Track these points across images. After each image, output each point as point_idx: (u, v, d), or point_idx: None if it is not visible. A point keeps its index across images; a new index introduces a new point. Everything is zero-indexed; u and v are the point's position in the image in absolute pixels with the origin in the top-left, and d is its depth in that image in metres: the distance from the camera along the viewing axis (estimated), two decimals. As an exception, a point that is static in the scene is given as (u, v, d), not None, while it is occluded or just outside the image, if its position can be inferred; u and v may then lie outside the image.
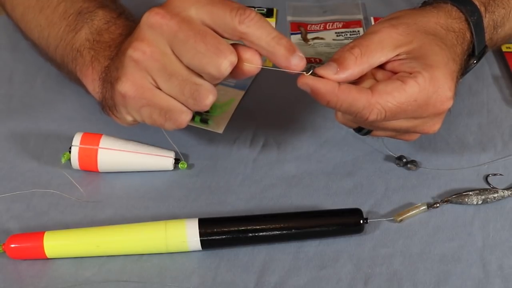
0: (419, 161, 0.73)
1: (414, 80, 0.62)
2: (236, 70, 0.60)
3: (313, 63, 0.85)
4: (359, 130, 0.69)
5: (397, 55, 0.63)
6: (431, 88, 0.62)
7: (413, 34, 0.64)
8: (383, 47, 0.63)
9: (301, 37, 0.89)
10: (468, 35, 0.68)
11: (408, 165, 0.72)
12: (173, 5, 0.60)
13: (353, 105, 0.61)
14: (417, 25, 0.65)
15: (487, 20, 0.70)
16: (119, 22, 0.71)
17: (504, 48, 0.85)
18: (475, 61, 0.69)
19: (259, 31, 0.59)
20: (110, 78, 0.65)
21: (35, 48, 0.80)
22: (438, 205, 0.69)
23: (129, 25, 0.71)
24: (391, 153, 0.74)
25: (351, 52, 0.63)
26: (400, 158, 0.73)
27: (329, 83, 0.61)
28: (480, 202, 0.70)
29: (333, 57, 0.63)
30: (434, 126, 0.66)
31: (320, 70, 0.62)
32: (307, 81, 0.61)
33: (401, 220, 0.68)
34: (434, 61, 0.63)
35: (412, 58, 0.63)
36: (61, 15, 0.73)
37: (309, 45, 0.88)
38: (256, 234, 0.66)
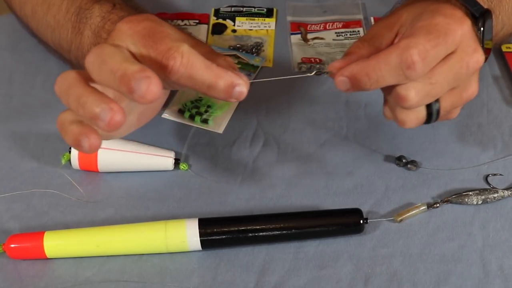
0: (419, 161, 0.73)
1: (431, 20, 0.60)
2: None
3: (313, 63, 0.85)
4: (428, 119, 0.65)
5: (397, 33, 0.63)
6: (449, 19, 0.60)
7: (401, 10, 0.64)
8: (380, 32, 0.63)
9: (301, 37, 0.89)
10: (458, 4, 0.66)
11: (408, 165, 0.72)
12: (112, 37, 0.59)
13: (391, 60, 0.58)
14: (404, 7, 0.65)
15: None
16: (112, 17, 0.70)
17: (504, 48, 0.85)
18: (481, 27, 0.66)
19: (191, 82, 0.57)
20: None
21: (47, 47, 0.79)
22: (438, 205, 0.69)
23: (123, 16, 0.69)
24: (391, 154, 0.74)
25: (352, 45, 0.63)
26: (400, 158, 0.73)
27: (359, 61, 0.60)
28: (480, 202, 0.70)
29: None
30: (472, 87, 0.64)
31: (335, 63, 0.61)
32: (343, 73, 0.60)
33: (401, 220, 0.68)
34: (437, 9, 0.61)
35: (413, 21, 0.62)
36: (65, 15, 0.73)
37: (309, 45, 0.88)
38: (256, 234, 0.66)
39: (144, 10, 0.73)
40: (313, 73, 0.63)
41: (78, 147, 0.55)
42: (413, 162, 0.72)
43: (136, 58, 0.57)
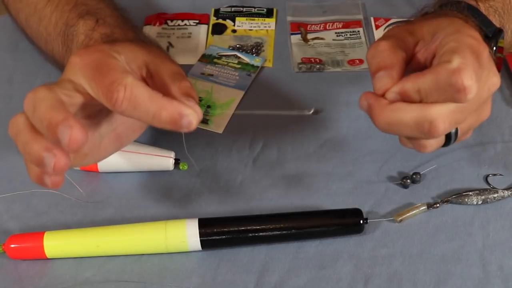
0: (419, 162, 0.73)
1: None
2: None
3: (313, 63, 0.85)
4: (446, 143, 0.64)
5: (417, 43, 0.62)
6: (476, 41, 0.58)
7: (423, 21, 0.63)
8: (402, 34, 0.62)
9: (301, 37, 0.89)
10: (470, 21, 0.65)
11: (412, 179, 0.71)
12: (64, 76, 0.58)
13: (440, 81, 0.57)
14: (426, 19, 0.64)
15: (483, 8, 0.68)
16: (95, 35, 0.69)
17: (504, 48, 0.85)
18: (493, 46, 0.66)
19: (136, 114, 0.56)
20: None
21: (43, 55, 0.79)
22: (438, 205, 0.69)
23: (105, 33, 0.69)
24: (391, 153, 0.74)
25: (375, 43, 0.61)
26: (402, 180, 0.71)
27: (409, 77, 0.58)
28: (480, 202, 0.70)
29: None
30: (487, 109, 0.63)
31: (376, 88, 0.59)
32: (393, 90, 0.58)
33: (401, 220, 0.68)
34: (461, 29, 0.59)
35: (435, 36, 0.60)
36: (55, 29, 0.72)
37: (309, 45, 0.88)
38: (256, 234, 0.66)
39: (129, 20, 0.72)
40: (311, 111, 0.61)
41: (43, 185, 0.56)
42: (416, 175, 0.71)
43: (86, 92, 0.57)
